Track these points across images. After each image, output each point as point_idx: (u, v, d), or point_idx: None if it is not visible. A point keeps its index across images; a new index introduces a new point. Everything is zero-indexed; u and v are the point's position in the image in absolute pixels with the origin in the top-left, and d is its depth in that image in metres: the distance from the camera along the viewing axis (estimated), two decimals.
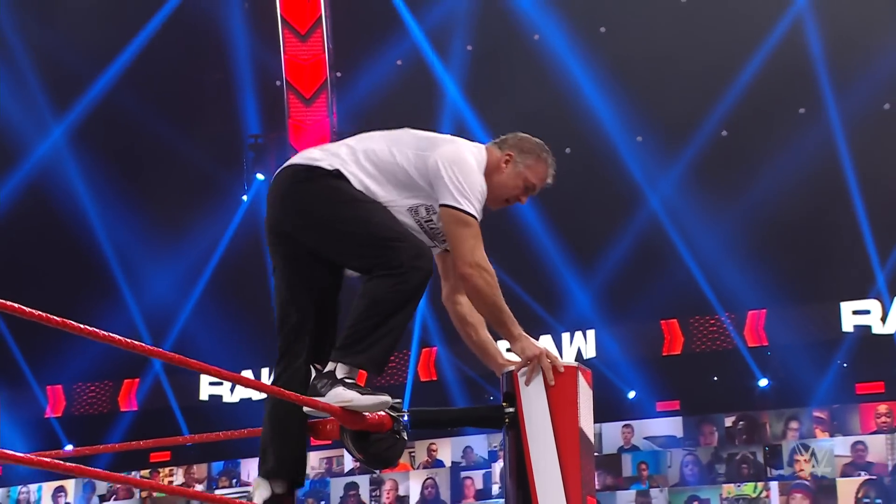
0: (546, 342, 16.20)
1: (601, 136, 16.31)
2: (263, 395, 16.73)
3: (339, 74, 17.60)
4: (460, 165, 4.56)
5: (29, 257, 17.30)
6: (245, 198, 17.92)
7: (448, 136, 4.75)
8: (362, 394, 4.37)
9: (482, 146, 4.77)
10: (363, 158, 4.63)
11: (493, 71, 16.63)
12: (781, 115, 16.01)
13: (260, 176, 17.84)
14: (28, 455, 3.81)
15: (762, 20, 16.02)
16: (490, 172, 4.68)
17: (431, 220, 4.63)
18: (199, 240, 17.48)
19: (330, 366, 4.47)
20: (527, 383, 4.48)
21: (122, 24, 17.36)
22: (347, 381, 4.41)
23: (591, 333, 16.27)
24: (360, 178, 4.60)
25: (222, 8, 17.79)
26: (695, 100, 15.98)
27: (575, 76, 16.47)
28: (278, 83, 17.79)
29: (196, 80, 18.21)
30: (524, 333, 4.57)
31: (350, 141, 4.75)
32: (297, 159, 4.72)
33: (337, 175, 4.59)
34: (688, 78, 15.71)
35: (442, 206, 4.55)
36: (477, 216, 4.53)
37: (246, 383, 4.38)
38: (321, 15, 17.29)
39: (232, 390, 17.42)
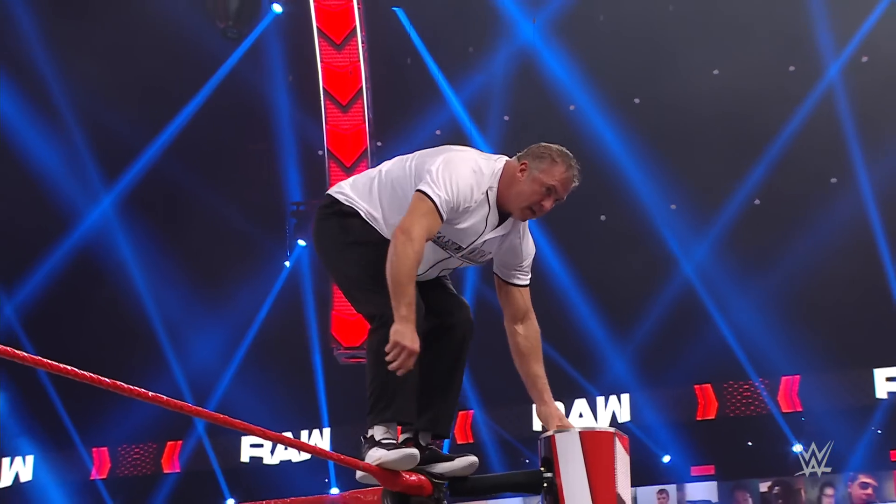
0: (581, 406, 16.13)
1: (636, 203, 16.32)
2: (303, 457, 16.67)
3: (379, 144, 17.72)
4: (445, 165, 4.55)
5: (77, 320, 17.41)
6: (287, 263, 17.99)
7: (459, 148, 4.74)
8: (389, 450, 4.39)
9: (501, 160, 4.73)
10: (390, 186, 4.66)
11: (529, 140, 16.47)
12: (813, 185, 15.99)
13: (302, 242, 17.92)
14: None
15: (794, 92, 16.05)
16: (508, 183, 4.63)
17: (440, 234, 4.60)
18: (242, 304, 17.56)
19: (369, 431, 4.51)
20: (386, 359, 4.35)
21: (170, 97, 17.59)
22: (384, 441, 4.44)
23: (625, 397, 16.20)
24: (375, 213, 4.64)
25: (267, 81, 18.01)
26: (728, 169, 16.00)
27: (610, 145, 16.52)
28: (320, 152, 17.92)
29: (241, 149, 18.39)
30: (410, 322, 4.34)
31: (387, 165, 4.77)
32: (332, 189, 4.80)
33: (351, 213, 4.65)
34: (721, 147, 15.74)
35: (415, 191, 4.53)
36: (436, 200, 4.45)
37: (289, 443, 4.37)
38: (362, 87, 17.44)
39: (272, 452, 17.40)
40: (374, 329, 4.53)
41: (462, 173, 4.55)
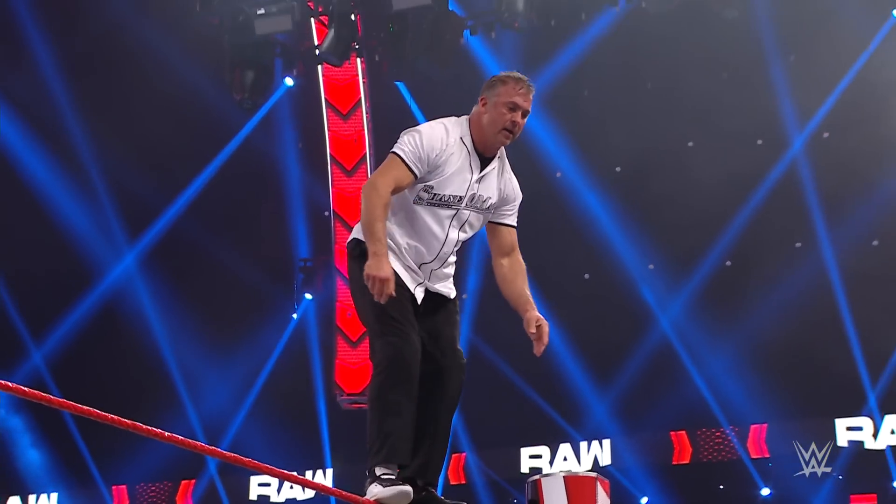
0: (566, 450, 16.03)
1: (617, 263, 16.33)
2: (308, 495, 16.45)
3: None
4: (410, 131, 4.69)
5: (101, 366, 17.35)
6: (295, 315, 17.96)
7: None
8: (384, 486, 4.37)
9: (464, 116, 4.83)
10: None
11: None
12: (780, 248, 16.01)
13: (308, 296, 17.91)
14: None
15: (762, 163, 16.13)
16: (478, 123, 4.72)
17: (434, 195, 4.66)
18: (252, 352, 17.51)
19: (371, 467, 4.52)
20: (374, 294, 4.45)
21: (189, 161, 17.66)
22: (384, 476, 4.45)
23: (606, 443, 16.10)
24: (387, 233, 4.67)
25: (279, 147, 18.09)
26: (701, 232, 16.02)
27: (593, 209, 16.56)
28: (326, 213, 17.96)
29: (253, 210, 18.42)
30: (381, 256, 4.45)
31: None
32: (353, 230, 4.82)
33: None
34: (695, 212, 15.76)
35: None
36: (401, 153, 4.61)
37: (295, 480, 4.36)
38: (366, 153, 17.53)
39: (279, 490, 17.26)
40: (373, 376, 4.55)
41: (426, 130, 4.68)
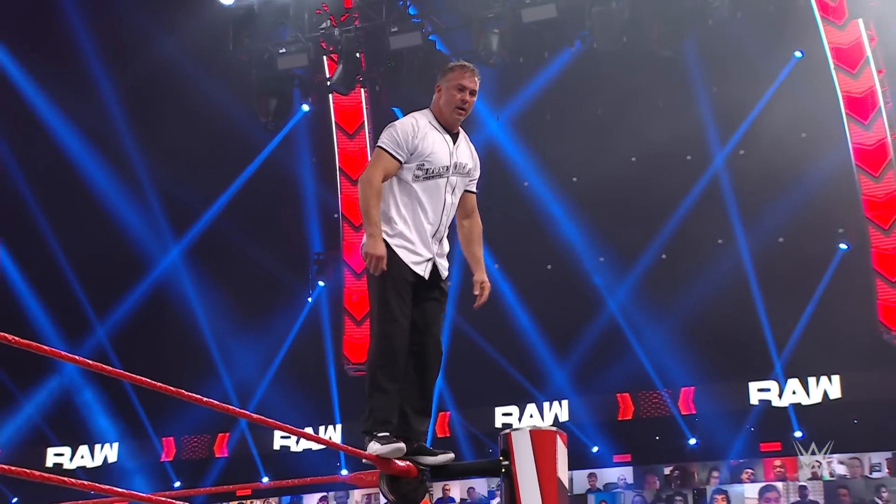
0: (532, 409, 16.04)
1: (574, 256, 16.34)
2: (321, 446, 16.33)
3: None
4: (388, 127, 4.69)
5: (151, 342, 17.30)
6: (310, 299, 17.92)
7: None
8: (382, 444, 4.37)
9: (428, 108, 4.79)
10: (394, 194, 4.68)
11: (491, 209, 16.70)
12: (705, 244, 16.04)
13: (321, 283, 17.86)
14: (148, 494, 3.77)
15: (690, 174, 16.15)
16: (437, 107, 4.72)
17: (427, 171, 4.62)
18: (275, 330, 17.47)
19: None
20: (369, 269, 4.44)
21: (224, 173, 17.61)
22: (380, 435, 4.42)
23: (565, 402, 16.12)
24: (394, 228, 4.59)
25: (297, 161, 18.04)
26: (642, 232, 16.05)
27: (554, 213, 16.56)
28: (336, 215, 17.92)
29: (276, 212, 18.37)
30: (376, 237, 4.45)
31: None
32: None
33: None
34: (637, 215, 15.79)
35: None
36: (383, 146, 4.60)
37: (309, 437, 4.33)
38: None
39: (297, 442, 17.24)
40: (368, 356, 4.54)
41: (399, 122, 4.67)
